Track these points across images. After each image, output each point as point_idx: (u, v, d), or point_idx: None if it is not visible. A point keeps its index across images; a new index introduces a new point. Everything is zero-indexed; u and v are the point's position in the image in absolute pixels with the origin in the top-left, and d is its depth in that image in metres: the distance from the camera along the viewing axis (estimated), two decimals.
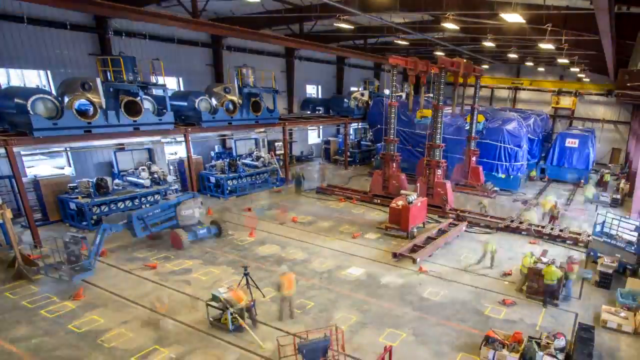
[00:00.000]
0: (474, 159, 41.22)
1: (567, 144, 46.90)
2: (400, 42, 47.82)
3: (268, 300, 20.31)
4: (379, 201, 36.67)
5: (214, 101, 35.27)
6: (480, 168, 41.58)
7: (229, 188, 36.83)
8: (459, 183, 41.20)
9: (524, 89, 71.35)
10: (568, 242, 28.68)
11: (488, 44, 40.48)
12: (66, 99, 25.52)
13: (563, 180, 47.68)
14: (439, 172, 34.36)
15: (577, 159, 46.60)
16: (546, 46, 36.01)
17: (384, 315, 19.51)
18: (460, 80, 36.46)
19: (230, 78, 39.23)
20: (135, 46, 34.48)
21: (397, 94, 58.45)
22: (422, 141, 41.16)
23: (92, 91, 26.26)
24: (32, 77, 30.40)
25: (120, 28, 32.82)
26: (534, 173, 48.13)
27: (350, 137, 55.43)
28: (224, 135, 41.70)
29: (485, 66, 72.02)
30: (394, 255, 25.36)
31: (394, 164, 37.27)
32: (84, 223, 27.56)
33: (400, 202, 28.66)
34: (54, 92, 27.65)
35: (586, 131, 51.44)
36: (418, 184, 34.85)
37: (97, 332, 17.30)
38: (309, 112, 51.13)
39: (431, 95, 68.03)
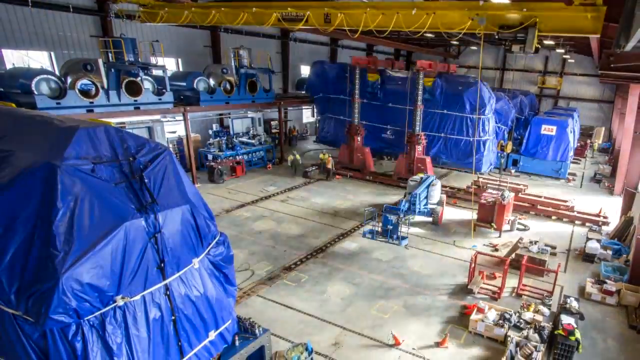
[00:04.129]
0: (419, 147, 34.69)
1: (542, 132, 39.01)
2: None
3: None
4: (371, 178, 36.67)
5: (211, 81, 35.27)
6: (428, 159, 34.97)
7: None
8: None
9: (511, 70, 71.35)
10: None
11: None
12: (69, 79, 25.44)
13: (537, 174, 39.70)
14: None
15: (554, 150, 38.93)
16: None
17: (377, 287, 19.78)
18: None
19: (227, 59, 39.06)
20: (135, 28, 34.24)
21: None
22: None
23: (94, 72, 26.21)
24: (37, 58, 30.22)
25: (121, 10, 32.58)
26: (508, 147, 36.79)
27: None
28: (222, 114, 41.58)
29: (473, 47, 71.88)
30: None
31: (359, 138, 37.03)
32: None
33: None
34: (57, 72, 27.54)
35: (568, 111, 49.03)
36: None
37: None
38: (303, 92, 50.88)
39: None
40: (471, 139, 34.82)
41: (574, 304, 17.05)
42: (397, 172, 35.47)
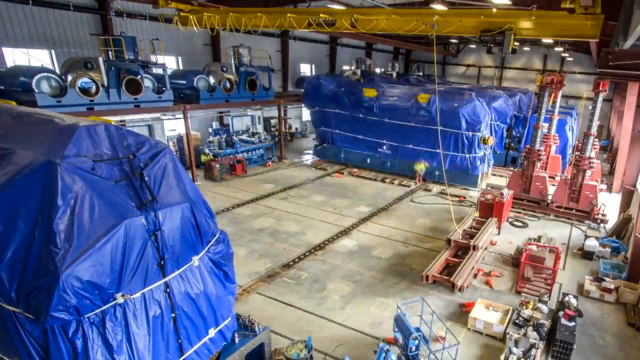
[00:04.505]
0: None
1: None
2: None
3: None
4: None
5: (211, 79, 35.24)
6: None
7: None
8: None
9: (509, 68, 71.41)
10: None
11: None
12: (69, 78, 25.42)
13: None
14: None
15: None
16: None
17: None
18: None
19: (227, 57, 39.07)
20: (135, 26, 34.24)
21: (387, 73, 58.40)
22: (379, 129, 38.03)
23: (95, 70, 26.17)
24: (37, 57, 30.21)
25: (121, 9, 32.57)
26: None
27: None
28: (222, 113, 41.59)
29: (472, 46, 71.93)
30: None
31: (539, 164, 30.38)
32: None
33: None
34: (57, 71, 27.53)
35: (567, 109, 48.75)
36: None
37: None
38: (302, 90, 50.86)
39: (421, 73, 67.87)
40: (467, 156, 34.50)
41: (572, 302, 17.04)
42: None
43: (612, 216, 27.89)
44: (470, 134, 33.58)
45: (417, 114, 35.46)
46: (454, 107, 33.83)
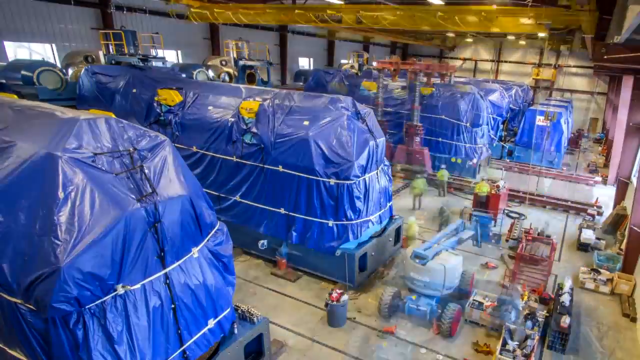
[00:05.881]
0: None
1: (537, 123, 37.06)
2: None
3: None
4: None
5: (211, 73, 35.16)
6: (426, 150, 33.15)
7: None
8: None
9: (506, 62, 71.30)
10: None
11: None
12: (70, 71, 25.40)
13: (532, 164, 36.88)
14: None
15: (549, 140, 37.79)
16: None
17: None
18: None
19: (226, 51, 39.01)
20: (136, 20, 34.14)
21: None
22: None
23: (95, 63, 26.14)
24: (38, 50, 30.14)
25: (122, 3, 32.49)
26: None
27: None
28: None
29: (469, 40, 71.74)
30: None
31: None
32: None
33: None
34: (58, 64, 27.48)
35: (563, 103, 48.50)
36: None
37: None
38: (301, 84, 50.78)
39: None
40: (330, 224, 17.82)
41: (567, 294, 17.05)
42: None
43: (607, 208, 27.91)
44: (338, 182, 17.31)
45: (240, 143, 19.25)
46: (300, 130, 17.88)
